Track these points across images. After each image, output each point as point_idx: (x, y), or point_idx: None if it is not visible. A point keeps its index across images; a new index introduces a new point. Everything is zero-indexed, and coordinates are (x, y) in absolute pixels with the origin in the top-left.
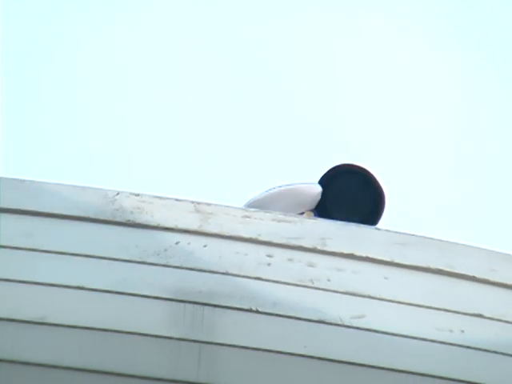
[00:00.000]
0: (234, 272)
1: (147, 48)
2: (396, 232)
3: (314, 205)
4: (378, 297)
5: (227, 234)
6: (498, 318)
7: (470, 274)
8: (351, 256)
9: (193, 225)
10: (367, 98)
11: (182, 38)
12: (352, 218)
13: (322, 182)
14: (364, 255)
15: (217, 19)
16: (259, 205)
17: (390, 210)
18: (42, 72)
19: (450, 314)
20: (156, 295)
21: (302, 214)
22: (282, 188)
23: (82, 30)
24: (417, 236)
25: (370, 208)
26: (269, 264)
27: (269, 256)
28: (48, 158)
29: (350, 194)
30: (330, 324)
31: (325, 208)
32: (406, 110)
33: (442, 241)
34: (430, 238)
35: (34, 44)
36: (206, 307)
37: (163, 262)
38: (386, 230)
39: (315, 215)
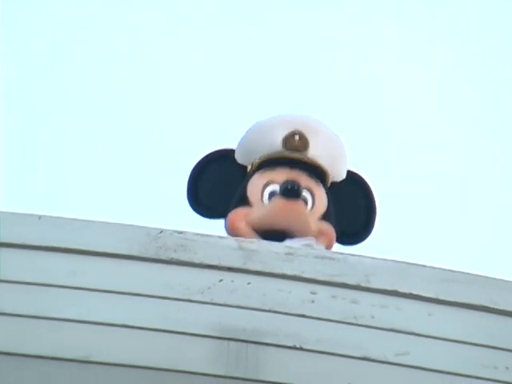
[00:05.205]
0: (278, 309)
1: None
2: (440, 268)
3: None
4: (423, 333)
5: (271, 272)
6: None
7: None
8: (395, 292)
9: (236, 262)
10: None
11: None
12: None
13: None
14: (408, 292)
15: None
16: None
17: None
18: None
19: (495, 350)
20: (200, 333)
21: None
22: None
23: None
24: (461, 272)
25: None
26: (312, 301)
27: (312, 293)
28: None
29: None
30: (375, 361)
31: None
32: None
33: (486, 277)
34: (475, 275)
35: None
36: (250, 345)
37: (207, 300)
38: (431, 267)
39: None
